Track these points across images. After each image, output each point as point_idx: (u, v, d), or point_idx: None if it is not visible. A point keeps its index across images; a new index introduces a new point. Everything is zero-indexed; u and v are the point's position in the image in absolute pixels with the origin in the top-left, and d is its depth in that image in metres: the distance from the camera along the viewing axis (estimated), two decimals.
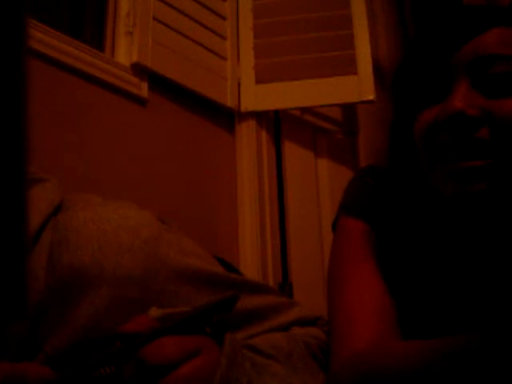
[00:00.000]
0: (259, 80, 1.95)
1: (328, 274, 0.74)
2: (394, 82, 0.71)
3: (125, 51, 1.68)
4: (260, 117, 1.99)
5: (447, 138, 0.61)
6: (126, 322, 0.50)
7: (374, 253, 0.70)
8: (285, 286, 1.86)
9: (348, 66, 1.89)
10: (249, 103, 1.94)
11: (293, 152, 2.07)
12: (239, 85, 1.96)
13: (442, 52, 0.63)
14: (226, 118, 1.95)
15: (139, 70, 1.67)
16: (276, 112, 2.04)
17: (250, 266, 1.79)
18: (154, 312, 0.51)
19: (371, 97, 1.87)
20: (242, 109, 1.94)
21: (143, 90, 1.67)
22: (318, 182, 2.08)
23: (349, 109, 2.21)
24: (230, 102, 1.92)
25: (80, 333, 0.55)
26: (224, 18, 2.00)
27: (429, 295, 0.65)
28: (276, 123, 2.05)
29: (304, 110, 2.09)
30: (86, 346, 0.54)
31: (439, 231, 0.67)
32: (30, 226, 0.54)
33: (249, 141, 1.94)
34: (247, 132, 1.95)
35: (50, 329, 0.55)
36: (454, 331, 0.54)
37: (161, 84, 1.73)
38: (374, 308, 0.65)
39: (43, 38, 1.43)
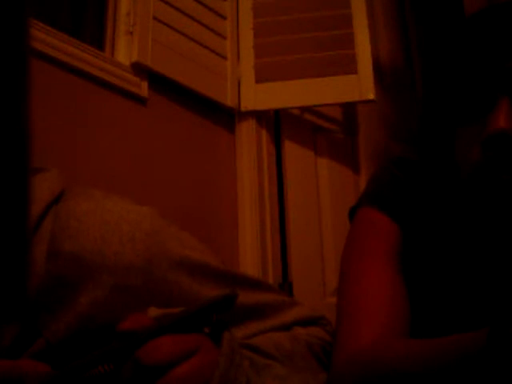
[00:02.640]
0: (259, 79, 1.95)
1: (341, 263, 0.72)
2: (429, 86, 0.71)
3: (125, 50, 1.68)
4: (260, 116, 1.99)
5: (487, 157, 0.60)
6: (127, 311, 0.50)
7: (395, 248, 0.69)
8: (285, 286, 1.86)
9: (348, 66, 1.89)
10: (249, 102, 1.94)
11: (293, 151, 2.07)
12: (239, 84, 1.96)
13: (483, 69, 0.62)
14: (226, 117, 1.95)
15: (139, 69, 1.67)
16: (276, 111, 2.04)
17: (250, 266, 1.79)
18: (153, 312, 0.51)
19: (371, 96, 1.86)
20: (242, 108, 1.94)
21: (143, 89, 1.67)
22: (318, 181, 2.08)
23: (349, 108, 2.21)
24: (230, 101, 1.92)
25: (80, 320, 0.55)
26: (224, 18, 2.00)
27: (456, 292, 0.65)
28: (276, 122, 2.05)
29: (304, 109, 2.09)
30: (86, 334, 0.54)
31: (471, 230, 0.67)
32: (31, 214, 0.54)
33: (249, 140, 1.94)
34: (247, 131, 1.95)
35: (51, 314, 0.55)
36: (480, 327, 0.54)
37: (161, 83, 1.73)
38: (385, 305, 0.64)
39: (43, 37, 1.43)
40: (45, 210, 0.57)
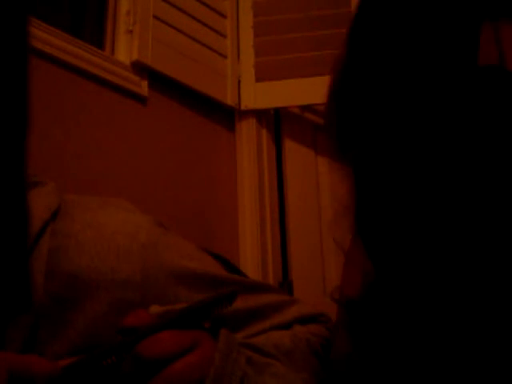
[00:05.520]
0: (259, 78, 1.95)
1: None
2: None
3: (125, 49, 1.68)
4: (260, 115, 1.99)
5: None
6: (129, 314, 0.50)
7: None
8: (285, 284, 1.86)
9: None
10: (249, 101, 1.94)
11: (293, 150, 2.07)
12: (239, 83, 1.96)
13: None
14: (226, 115, 1.95)
15: (139, 67, 1.67)
16: (276, 110, 2.04)
17: (250, 264, 1.79)
18: (155, 309, 0.52)
19: None
20: (242, 107, 1.94)
21: (143, 88, 1.67)
22: (319, 180, 2.08)
23: None
24: (230, 100, 1.92)
25: (80, 338, 0.55)
26: (224, 16, 2.00)
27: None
28: (276, 121, 2.06)
29: (304, 107, 2.09)
30: (85, 352, 0.54)
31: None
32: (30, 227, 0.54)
33: (249, 139, 1.94)
34: (247, 130, 1.95)
35: (50, 334, 0.55)
36: None
37: (161, 82, 1.73)
38: None
39: (44, 35, 1.43)
40: (42, 227, 0.56)
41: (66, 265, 0.56)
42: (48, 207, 0.58)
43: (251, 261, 1.81)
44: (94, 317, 0.55)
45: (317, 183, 2.08)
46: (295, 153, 2.07)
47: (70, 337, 0.55)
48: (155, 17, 1.73)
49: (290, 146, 2.06)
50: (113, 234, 0.58)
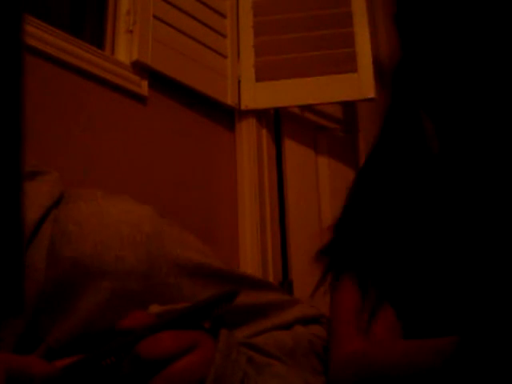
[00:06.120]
0: (259, 78, 1.95)
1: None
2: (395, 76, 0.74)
3: (125, 49, 1.68)
4: (260, 115, 1.99)
5: None
6: (127, 315, 0.50)
7: None
8: (285, 284, 1.86)
9: (348, 64, 1.89)
10: (249, 101, 1.94)
11: (293, 150, 2.07)
12: (239, 83, 1.96)
13: None
14: (226, 115, 1.95)
15: (139, 67, 1.67)
16: (276, 110, 2.04)
17: (250, 264, 1.79)
18: (154, 308, 0.51)
19: (371, 94, 1.86)
20: (243, 107, 1.94)
21: (143, 87, 1.67)
22: (319, 180, 2.08)
23: (349, 106, 2.21)
24: (230, 99, 1.92)
25: (82, 325, 0.55)
26: (224, 16, 2.00)
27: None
28: (276, 121, 2.05)
29: (304, 107, 2.09)
30: (87, 338, 0.54)
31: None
32: (29, 218, 0.54)
33: (249, 139, 1.94)
34: (247, 130, 1.95)
35: (52, 320, 0.55)
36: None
37: (161, 82, 1.73)
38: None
39: (43, 35, 1.43)
40: (44, 214, 0.56)
41: (69, 251, 0.55)
42: (51, 194, 0.58)
43: (251, 261, 1.81)
44: (96, 304, 0.55)
45: (317, 183, 2.07)
46: (295, 153, 2.07)
47: (72, 323, 0.55)
48: (155, 17, 1.73)
49: (290, 146, 2.06)
50: (117, 223, 0.57)
